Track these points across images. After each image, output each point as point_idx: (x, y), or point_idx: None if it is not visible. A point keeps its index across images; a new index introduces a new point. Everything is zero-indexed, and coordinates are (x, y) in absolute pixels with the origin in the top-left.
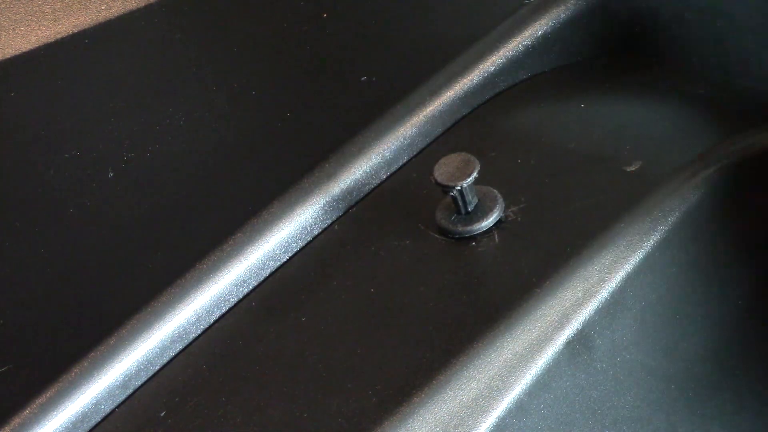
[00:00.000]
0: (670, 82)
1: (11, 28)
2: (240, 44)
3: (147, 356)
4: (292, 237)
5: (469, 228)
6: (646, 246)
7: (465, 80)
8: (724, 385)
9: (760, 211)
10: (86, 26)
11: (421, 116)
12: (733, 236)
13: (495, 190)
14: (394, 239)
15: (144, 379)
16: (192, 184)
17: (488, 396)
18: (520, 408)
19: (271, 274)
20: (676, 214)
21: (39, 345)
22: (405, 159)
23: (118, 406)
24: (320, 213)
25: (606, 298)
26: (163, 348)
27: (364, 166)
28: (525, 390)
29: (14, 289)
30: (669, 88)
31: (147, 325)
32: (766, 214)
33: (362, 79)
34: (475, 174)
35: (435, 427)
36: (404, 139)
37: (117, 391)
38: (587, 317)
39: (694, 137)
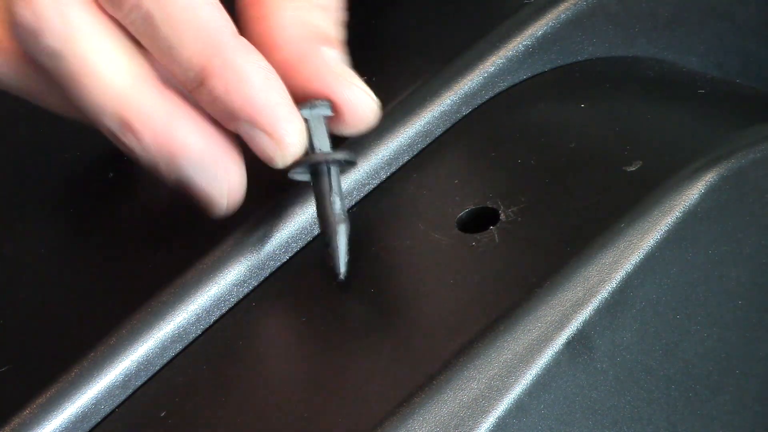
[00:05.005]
0: (670, 82)
1: None
2: None
3: (147, 356)
4: (293, 237)
5: None
6: (646, 246)
7: (465, 80)
8: (724, 385)
9: (760, 211)
10: None
11: (420, 116)
12: (733, 236)
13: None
14: (394, 239)
15: (144, 379)
16: None
17: (488, 396)
18: (520, 408)
19: (271, 274)
20: (676, 214)
21: (39, 345)
22: (405, 159)
23: (118, 406)
24: None
25: (606, 298)
26: (163, 348)
27: (364, 166)
28: (525, 390)
29: (14, 289)
30: (669, 88)
31: (147, 325)
32: (766, 214)
33: (362, 78)
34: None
35: (435, 427)
36: (404, 139)
37: (117, 391)
38: (587, 317)
39: (694, 137)
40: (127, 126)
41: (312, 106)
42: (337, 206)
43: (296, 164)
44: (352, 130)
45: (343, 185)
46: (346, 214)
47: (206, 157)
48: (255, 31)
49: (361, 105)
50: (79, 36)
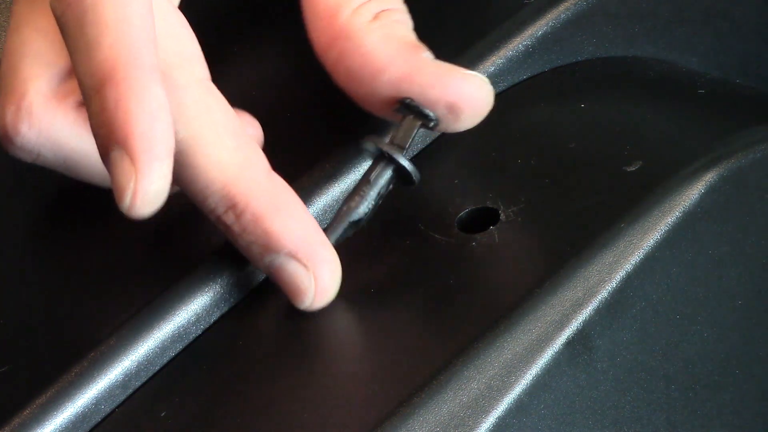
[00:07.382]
0: (670, 82)
1: None
2: (239, 45)
3: (147, 356)
4: None
5: None
6: (646, 246)
7: None
8: (724, 385)
9: (760, 210)
10: None
11: None
12: (733, 236)
13: None
14: (394, 239)
15: (144, 379)
16: None
17: (488, 396)
18: (520, 408)
19: None
20: (676, 214)
21: (39, 345)
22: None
23: (118, 406)
24: (320, 213)
25: (606, 298)
26: (163, 348)
27: (365, 166)
28: (525, 390)
29: (14, 289)
30: (669, 88)
31: (147, 325)
32: (766, 214)
33: None
34: None
35: (435, 427)
36: None
37: (117, 391)
38: (587, 317)
39: (694, 137)
40: (230, 202)
41: (415, 107)
42: (365, 203)
43: (372, 141)
44: (470, 122)
45: (343, 184)
46: (366, 215)
47: (303, 247)
48: (355, 61)
49: (482, 93)
50: (195, 118)
